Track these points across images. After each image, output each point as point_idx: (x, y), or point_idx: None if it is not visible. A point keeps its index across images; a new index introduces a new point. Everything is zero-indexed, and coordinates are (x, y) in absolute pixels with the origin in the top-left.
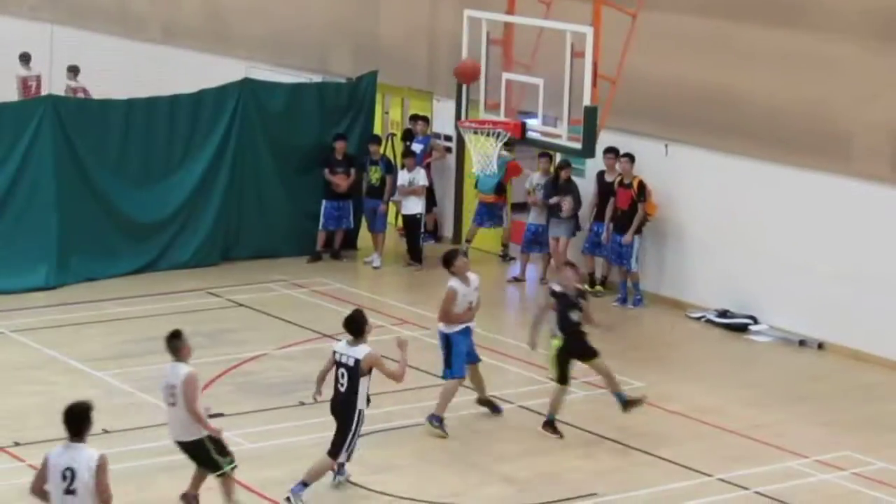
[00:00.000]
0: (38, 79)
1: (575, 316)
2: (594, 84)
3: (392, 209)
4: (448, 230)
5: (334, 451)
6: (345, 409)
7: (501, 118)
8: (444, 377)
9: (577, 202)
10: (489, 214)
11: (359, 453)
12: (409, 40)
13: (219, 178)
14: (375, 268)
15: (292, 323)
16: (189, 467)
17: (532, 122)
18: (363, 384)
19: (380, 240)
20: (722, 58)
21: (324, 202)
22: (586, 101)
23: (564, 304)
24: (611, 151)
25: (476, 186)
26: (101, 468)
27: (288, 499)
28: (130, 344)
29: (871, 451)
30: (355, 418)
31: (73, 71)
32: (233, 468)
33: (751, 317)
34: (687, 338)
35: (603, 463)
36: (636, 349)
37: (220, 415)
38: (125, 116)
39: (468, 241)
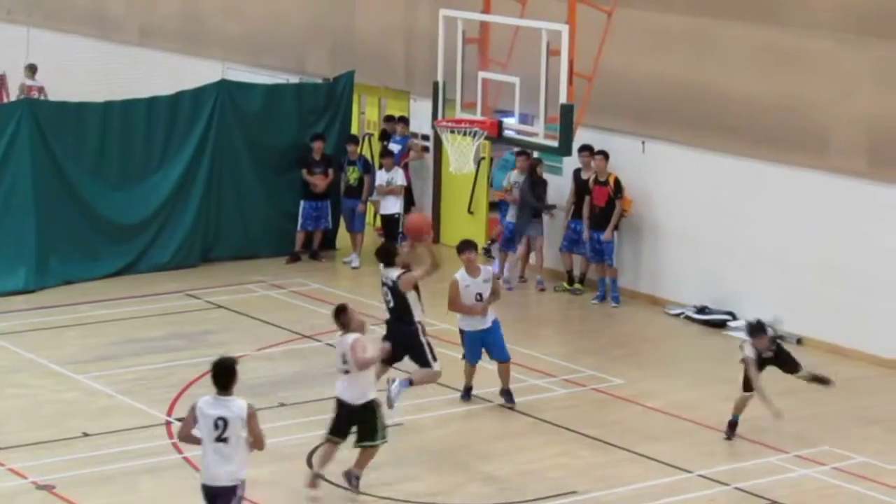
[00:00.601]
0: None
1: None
2: (570, 82)
3: (370, 209)
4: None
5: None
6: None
7: (478, 117)
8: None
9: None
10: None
11: (340, 454)
12: (385, 40)
13: (197, 180)
14: (354, 268)
15: (272, 324)
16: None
17: (509, 121)
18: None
19: (358, 240)
20: (698, 54)
21: (302, 202)
22: (562, 99)
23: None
24: (585, 149)
25: (491, 185)
26: (251, 417)
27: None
28: (110, 346)
29: (850, 446)
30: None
31: (31, 69)
32: (383, 443)
33: (729, 312)
34: (665, 334)
35: (583, 460)
36: (616, 346)
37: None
38: (103, 119)
39: (493, 240)
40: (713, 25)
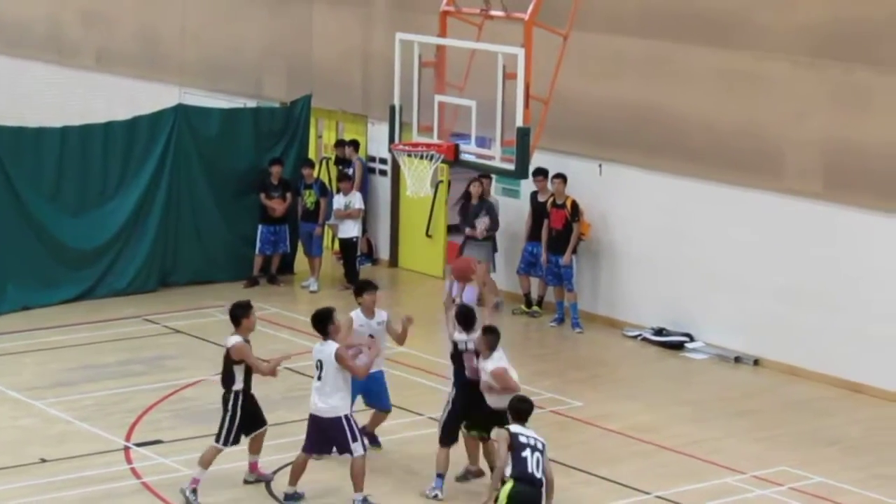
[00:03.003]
0: None
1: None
2: (526, 105)
3: (328, 233)
4: (385, 252)
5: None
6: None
7: (435, 140)
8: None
9: (494, 222)
10: None
11: (306, 476)
12: (342, 64)
13: (155, 205)
14: (312, 292)
15: None
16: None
17: (465, 145)
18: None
19: (316, 264)
20: (655, 77)
21: (260, 227)
22: (519, 122)
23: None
24: (540, 173)
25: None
26: (338, 356)
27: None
28: (68, 372)
29: (807, 466)
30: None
31: None
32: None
33: (687, 334)
34: (624, 356)
35: None
36: (574, 369)
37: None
38: (60, 144)
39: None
40: (669, 48)
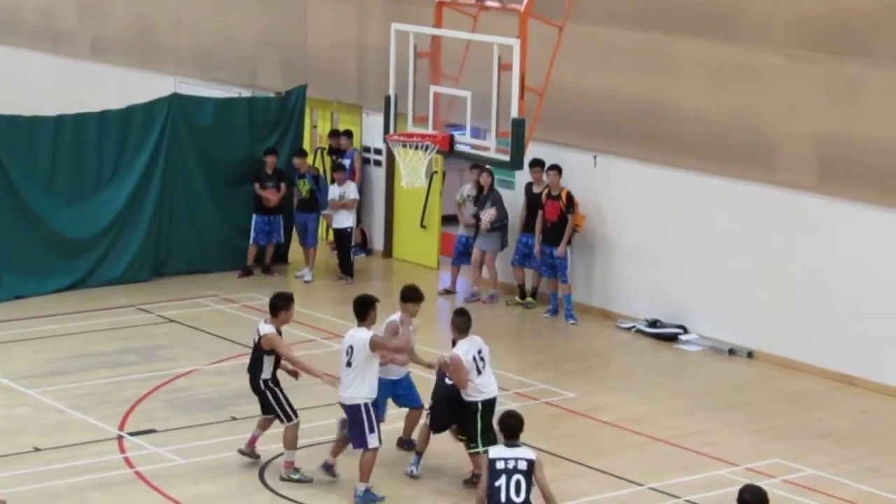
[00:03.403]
0: None
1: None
2: (522, 96)
3: (322, 223)
4: (379, 243)
5: None
6: None
7: (430, 131)
8: None
9: (502, 213)
10: None
11: (304, 466)
12: (337, 54)
13: (149, 194)
14: (307, 282)
15: (223, 338)
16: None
17: (460, 135)
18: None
19: (311, 254)
20: (650, 69)
21: (254, 217)
22: (514, 114)
23: None
24: (536, 164)
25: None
26: (374, 342)
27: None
28: (61, 361)
29: (800, 458)
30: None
31: None
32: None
33: (681, 326)
34: (617, 348)
35: None
36: (568, 360)
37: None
38: (54, 133)
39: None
40: (664, 40)
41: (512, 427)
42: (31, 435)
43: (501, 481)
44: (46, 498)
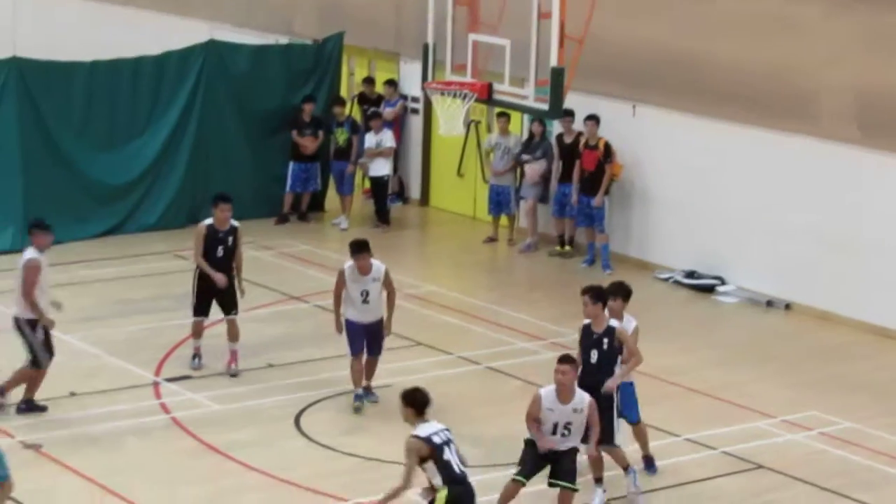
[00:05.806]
0: None
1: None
2: (561, 45)
3: (359, 171)
4: (415, 192)
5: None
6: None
7: (468, 79)
8: None
9: (549, 165)
10: None
11: (328, 415)
12: (375, 1)
13: (184, 141)
14: (343, 230)
15: (260, 285)
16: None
17: (498, 84)
18: None
19: (347, 202)
20: (689, 19)
21: (291, 164)
22: (553, 62)
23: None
24: (567, 114)
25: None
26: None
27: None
28: (97, 307)
29: (837, 412)
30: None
31: None
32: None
33: (718, 277)
34: (654, 299)
35: None
36: None
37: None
38: (89, 79)
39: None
40: None
41: (424, 402)
42: (68, 380)
43: (448, 454)
44: (82, 443)
